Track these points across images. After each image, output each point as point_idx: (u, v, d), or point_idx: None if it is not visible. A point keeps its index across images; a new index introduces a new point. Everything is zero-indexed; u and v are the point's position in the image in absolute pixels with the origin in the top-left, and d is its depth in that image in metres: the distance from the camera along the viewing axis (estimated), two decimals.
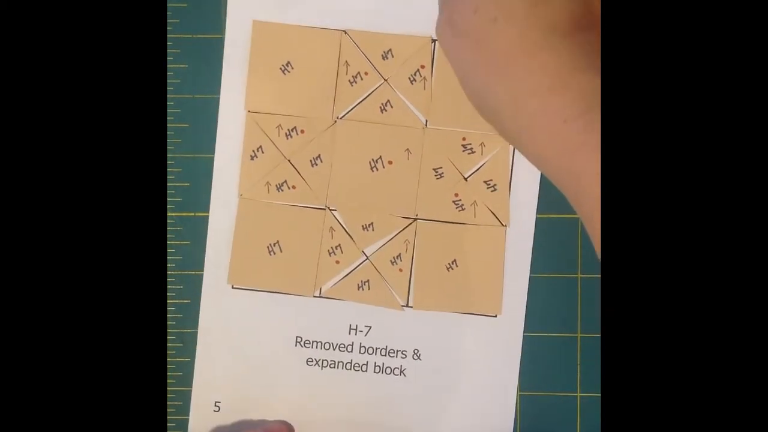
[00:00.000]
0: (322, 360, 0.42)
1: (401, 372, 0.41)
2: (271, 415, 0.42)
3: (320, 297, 0.42)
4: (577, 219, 0.41)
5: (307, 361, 0.42)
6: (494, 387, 0.41)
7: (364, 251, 0.41)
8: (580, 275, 0.41)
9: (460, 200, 0.41)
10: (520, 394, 0.41)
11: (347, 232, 0.41)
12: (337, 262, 0.42)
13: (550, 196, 0.41)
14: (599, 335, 0.41)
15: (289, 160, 0.41)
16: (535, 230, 0.41)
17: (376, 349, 0.42)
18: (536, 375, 0.42)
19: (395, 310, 0.41)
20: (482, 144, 0.41)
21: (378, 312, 0.42)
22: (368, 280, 0.41)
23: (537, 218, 0.41)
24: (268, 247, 0.42)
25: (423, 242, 0.41)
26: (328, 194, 0.41)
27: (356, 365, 0.42)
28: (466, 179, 0.41)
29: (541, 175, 0.41)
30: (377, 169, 0.41)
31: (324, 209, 0.41)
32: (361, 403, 0.42)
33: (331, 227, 0.41)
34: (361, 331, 0.42)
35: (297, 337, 0.42)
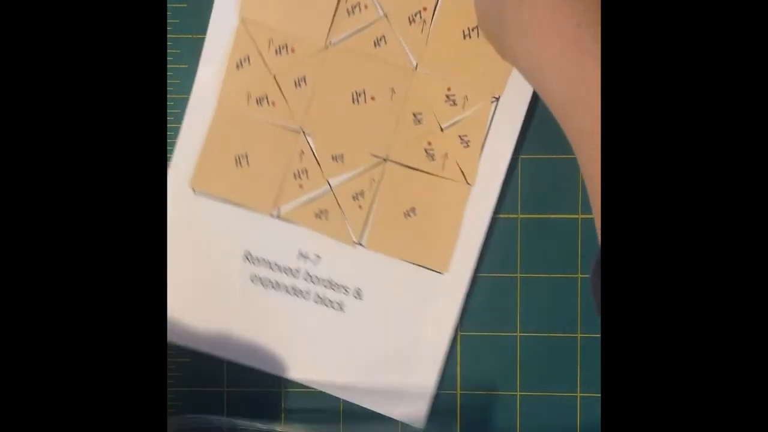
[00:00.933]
0: (267, 279, 0.42)
1: (340, 307, 0.41)
2: (207, 322, 0.42)
3: (277, 217, 0.42)
4: (577, 219, 0.41)
5: (251, 277, 0.42)
6: (425, 341, 0.41)
7: (329, 181, 0.41)
8: (580, 275, 0.41)
9: (432, 149, 0.41)
10: (520, 395, 0.42)
11: (316, 159, 0.41)
12: (301, 186, 0.41)
13: (551, 196, 0.41)
14: (599, 335, 0.41)
15: (274, 76, 0.41)
16: (536, 230, 0.41)
17: (321, 279, 0.42)
18: (536, 375, 0.41)
19: (347, 246, 0.41)
20: (466, 97, 0.40)
21: (330, 244, 0.41)
22: (327, 211, 0.41)
23: (537, 218, 0.41)
24: (236, 157, 0.41)
25: (388, 184, 0.41)
26: (306, 117, 0.41)
27: (298, 291, 0.42)
28: (442, 130, 0.41)
29: (523, 137, 0.40)
30: (358, 103, 0.41)
31: (298, 131, 0.41)
32: (296, 328, 0.42)
33: (301, 150, 0.41)
34: (310, 260, 0.42)
35: (246, 252, 0.42)
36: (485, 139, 0.40)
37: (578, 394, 0.41)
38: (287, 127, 0.41)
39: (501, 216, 0.41)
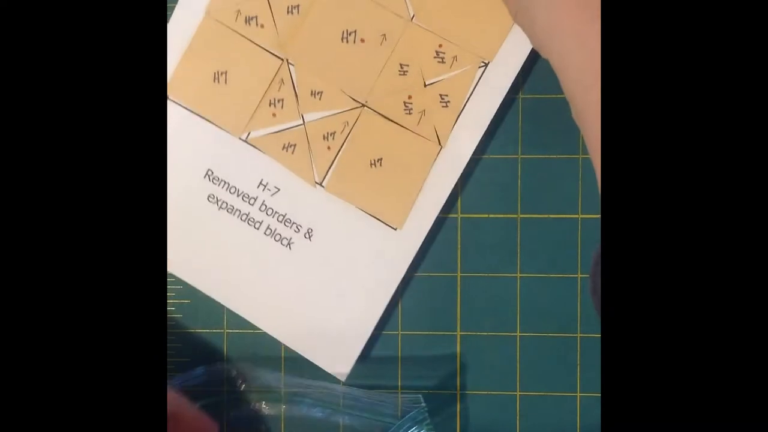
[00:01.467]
0: (223, 201, 0.41)
1: (288, 244, 0.41)
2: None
3: (245, 141, 0.41)
4: (577, 219, 0.40)
5: (208, 196, 0.41)
6: (370, 293, 0.40)
7: (303, 115, 0.40)
8: (580, 275, 0.41)
9: (411, 103, 0.40)
10: (520, 394, 0.41)
11: (295, 91, 0.40)
12: (274, 115, 0.40)
13: (551, 196, 0.41)
14: (599, 335, 0.40)
15: None
16: (536, 230, 0.41)
17: (275, 213, 0.41)
18: (536, 375, 0.41)
19: (307, 184, 0.40)
20: (455, 57, 0.39)
21: (291, 179, 0.41)
22: (295, 145, 0.40)
23: (537, 218, 0.41)
24: (215, 73, 0.41)
25: (360, 130, 0.40)
26: (292, 47, 0.40)
27: (251, 219, 0.41)
28: (425, 85, 0.39)
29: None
30: (347, 42, 0.40)
31: (282, 59, 0.40)
32: (241, 255, 0.41)
33: (281, 79, 0.40)
34: (269, 190, 0.41)
35: (209, 170, 0.41)
36: (466, 103, 0.39)
37: (578, 394, 0.41)
38: (272, 53, 0.40)
39: (500, 215, 0.41)
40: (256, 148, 0.41)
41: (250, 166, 0.41)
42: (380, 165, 0.40)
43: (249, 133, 0.41)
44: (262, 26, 0.40)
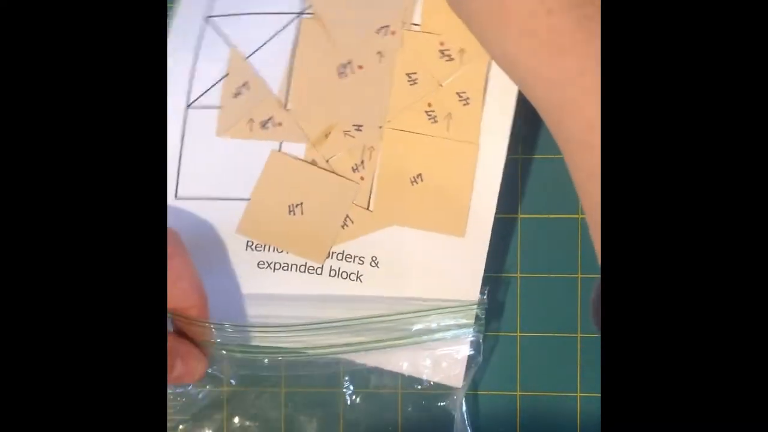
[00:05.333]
0: (275, 263, 0.40)
1: (357, 278, 0.40)
2: (229, 314, 0.40)
3: None
4: (577, 219, 0.40)
5: (258, 264, 0.40)
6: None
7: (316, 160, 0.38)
8: (580, 275, 0.40)
9: (433, 111, 0.38)
10: (520, 394, 0.41)
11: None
12: None
13: (551, 196, 0.40)
14: (599, 335, 0.39)
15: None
16: (536, 230, 0.40)
17: (332, 253, 0.40)
18: (536, 375, 0.41)
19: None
20: (462, 50, 0.37)
21: None
22: None
23: (537, 218, 0.40)
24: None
25: (388, 151, 0.38)
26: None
27: (310, 268, 0.40)
28: (442, 86, 0.37)
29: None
30: (346, 75, 0.37)
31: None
32: (317, 300, 0.40)
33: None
34: None
35: (248, 240, 0.39)
36: (485, 94, 0.37)
37: (578, 394, 0.41)
38: None
39: (501, 216, 0.40)
40: None
41: None
42: (421, 180, 0.39)
43: None
44: (280, 125, 0.38)
